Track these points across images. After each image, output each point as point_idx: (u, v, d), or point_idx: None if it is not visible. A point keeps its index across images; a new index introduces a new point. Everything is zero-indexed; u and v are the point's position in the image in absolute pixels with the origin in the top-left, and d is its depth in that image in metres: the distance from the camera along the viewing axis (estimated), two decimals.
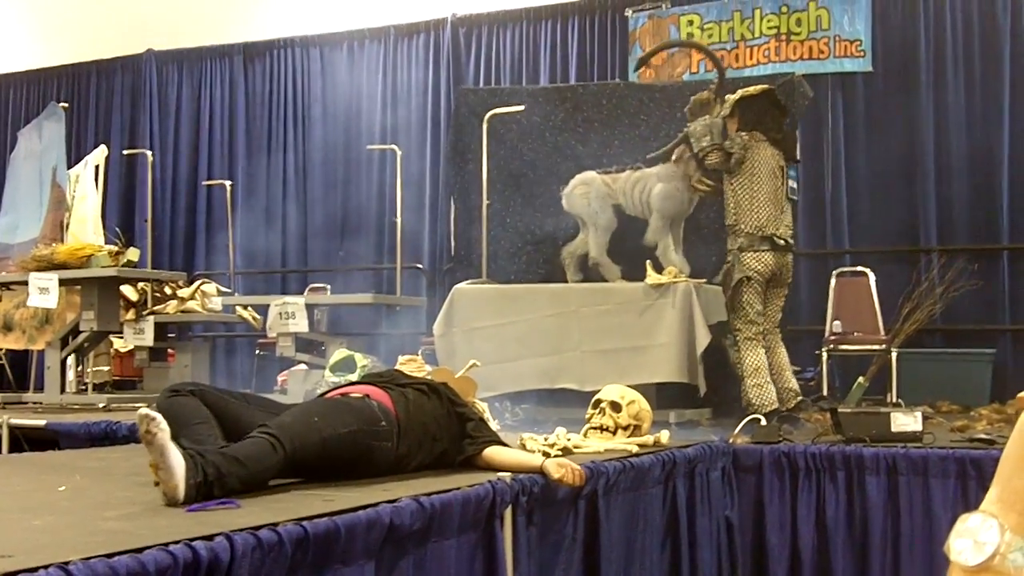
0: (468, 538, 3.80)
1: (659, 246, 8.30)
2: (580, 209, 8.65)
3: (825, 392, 9.13)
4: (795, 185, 7.72)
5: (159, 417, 3.39)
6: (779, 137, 7.60)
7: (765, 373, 7.36)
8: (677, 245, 8.38)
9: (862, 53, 10.85)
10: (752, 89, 7.69)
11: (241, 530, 2.85)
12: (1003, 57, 10.39)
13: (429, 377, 5.01)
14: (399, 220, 10.70)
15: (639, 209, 8.47)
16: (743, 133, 7.48)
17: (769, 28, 11.18)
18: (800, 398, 7.47)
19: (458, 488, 3.81)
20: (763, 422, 6.81)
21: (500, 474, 4.09)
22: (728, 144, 7.41)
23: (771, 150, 7.49)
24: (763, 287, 7.43)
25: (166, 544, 2.63)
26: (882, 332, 9.33)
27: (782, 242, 7.43)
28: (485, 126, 8.86)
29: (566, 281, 8.72)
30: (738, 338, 7.44)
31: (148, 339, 9.78)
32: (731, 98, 7.65)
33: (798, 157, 7.93)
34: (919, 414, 6.25)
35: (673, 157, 8.28)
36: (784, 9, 11.14)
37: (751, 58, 11.23)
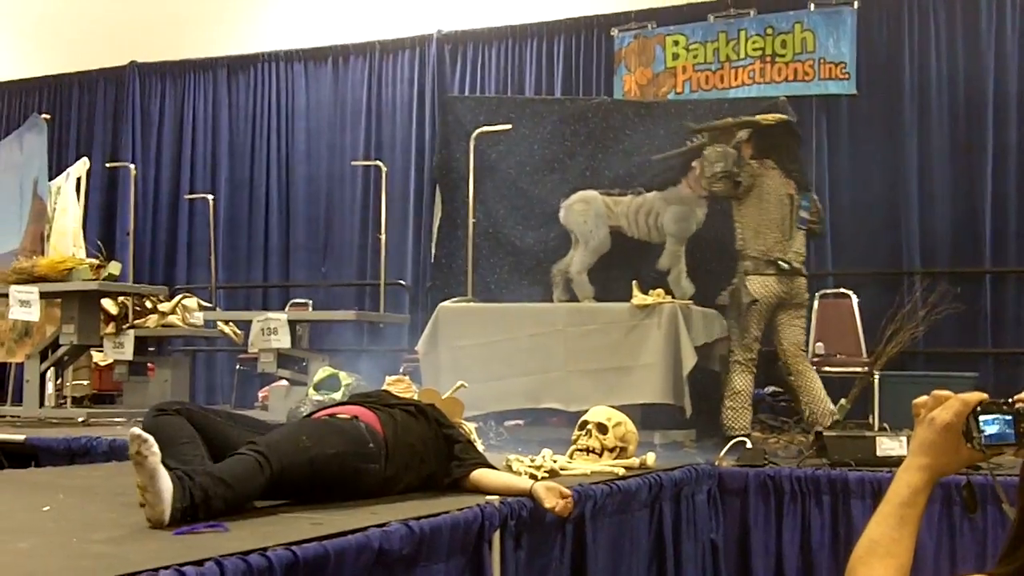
0: (457, 562, 3.77)
1: (672, 271, 8.31)
2: (575, 225, 8.64)
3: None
4: (806, 215, 7.75)
5: (151, 439, 3.35)
6: (793, 167, 7.69)
7: (745, 399, 7.42)
8: (677, 264, 8.37)
9: (847, 75, 10.87)
10: (770, 118, 7.74)
11: (231, 555, 2.82)
12: (987, 79, 10.43)
13: (416, 398, 4.98)
14: (383, 236, 10.67)
15: (645, 232, 8.49)
16: (754, 161, 7.54)
17: (754, 50, 11.19)
18: (837, 418, 7.46)
19: (447, 512, 3.78)
20: (749, 444, 6.80)
21: (488, 497, 4.07)
22: (737, 172, 7.44)
23: (781, 178, 7.58)
24: (767, 313, 7.50)
25: (155, 569, 2.60)
26: (865, 354, 9.34)
27: (787, 266, 7.45)
28: (472, 143, 8.83)
29: (551, 296, 8.70)
30: (730, 359, 7.56)
31: (128, 353, 9.75)
32: (751, 120, 7.73)
33: (809, 186, 7.95)
34: (904, 438, 6.25)
35: (684, 182, 8.34)
36: (769, 31, 11.15)
37: (736, 79, 11.24)
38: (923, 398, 2.06)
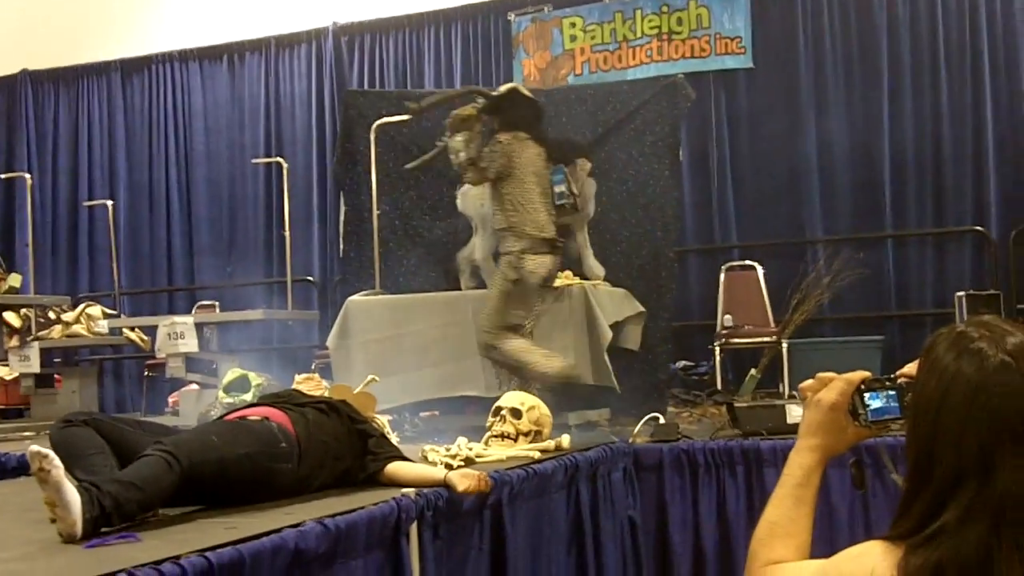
0: (375, 557, 3.77)
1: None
2: (473, 210, 8.59)
3: (719, 386, 9.23)
4: (563, 189, 7.42)
5: (51, 454, 3.31)
6: (539, 136, 7.36)
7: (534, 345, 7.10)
8: (585, 248, 8.31)
9: (743, 50, 10.98)
10: (501, 90, 7.54)
11: (143, 565, 2.79)
12: (880, 47, 10.58)
13: (327, 395, 4.96)
14: (287, 234, 10.59)
15: None
16: (505, 136, 7.28)
17: (651, 28, 11.25)
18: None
19: (362, 507, 3.77)
20: (662, 420, 6.84)
21: (404, 490, 4.06)
22: (483, 156, 7.21)
23: (536, 149, 7.28)
24: (535, 292, 7.21)
25: None
26: (772, 324, 9.46)
27: (560, 244, 7.25)
28: (373, 135, 8.77)
29: (459, 285, 8.67)
30: (498, 341, 7.19)
31: (34, 366, 9.60)
32: (476, 107, 7.48)
33: (563, 160, 7.55)
34: None
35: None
36: (665, 8, 11.22)
37: (634, 59, 11.30)
38: (808, 381, 2.15)
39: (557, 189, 7.36)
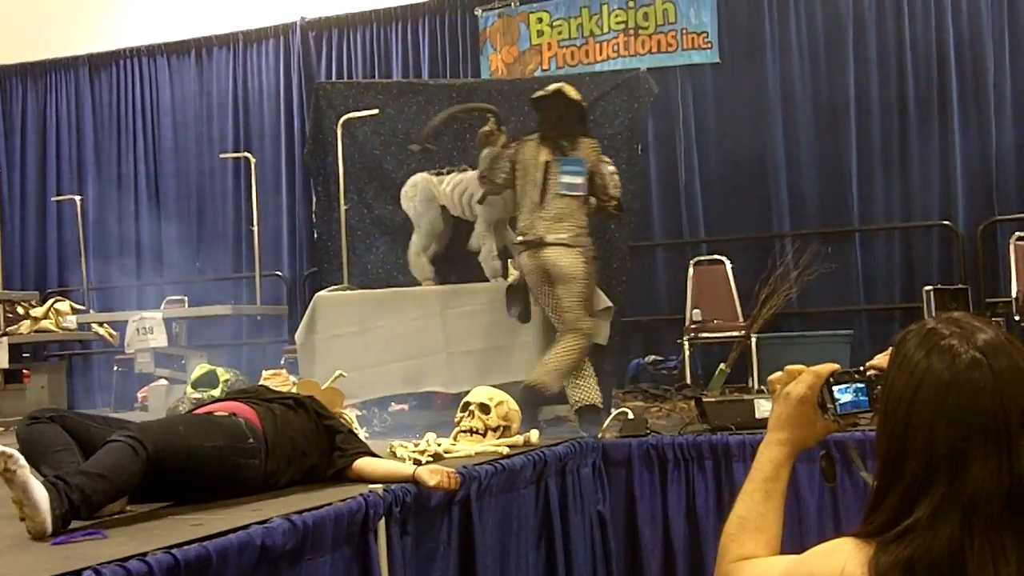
0: (342, 553, 3.77)
1: (482, 251, 8.21)
2: (408, 210, 8.55)
3: (688, 380, 9.26)
4: (571, 180, 7.16)
5: (16, 453, 3.30)
6: (554, 133, 7.25)
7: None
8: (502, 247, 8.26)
9: (709, 45, 11.00)
10: (549, 90, 7.45)
11: (109, 562, 2.79)
12: (847, 43, 10.62)
13: (295, 391, 4.96)
14: (256, 228, 10.56)
15: (460, 210, 8.36)
16: (513, 144, 7.32)
17: (617, 23, 11.28)
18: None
19: (330, 503, 3.77)
20: (630, 415, 6.85)
21: (372, 486, 4.06)
22: (495, 171, 7.30)
23: (536, 148, 7.24)
24: (532, 289, 7.24)
25: None
26: (741, 318, 9.49)
27: (535, 240, 7.10)
28: (339, 129, 8.75)
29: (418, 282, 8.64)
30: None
31: (2, 361, 9.54)
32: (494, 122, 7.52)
33: (568, 152, 7.23)
34: None
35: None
36: (631, 3, 11.23)
37: (601, 54, 11.32)
38: (777, 374, 2.13)
39: (565, 180, 7.16)
